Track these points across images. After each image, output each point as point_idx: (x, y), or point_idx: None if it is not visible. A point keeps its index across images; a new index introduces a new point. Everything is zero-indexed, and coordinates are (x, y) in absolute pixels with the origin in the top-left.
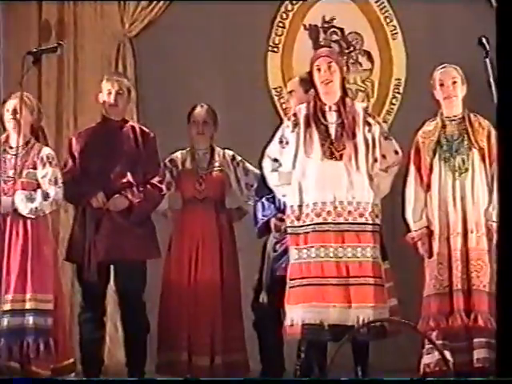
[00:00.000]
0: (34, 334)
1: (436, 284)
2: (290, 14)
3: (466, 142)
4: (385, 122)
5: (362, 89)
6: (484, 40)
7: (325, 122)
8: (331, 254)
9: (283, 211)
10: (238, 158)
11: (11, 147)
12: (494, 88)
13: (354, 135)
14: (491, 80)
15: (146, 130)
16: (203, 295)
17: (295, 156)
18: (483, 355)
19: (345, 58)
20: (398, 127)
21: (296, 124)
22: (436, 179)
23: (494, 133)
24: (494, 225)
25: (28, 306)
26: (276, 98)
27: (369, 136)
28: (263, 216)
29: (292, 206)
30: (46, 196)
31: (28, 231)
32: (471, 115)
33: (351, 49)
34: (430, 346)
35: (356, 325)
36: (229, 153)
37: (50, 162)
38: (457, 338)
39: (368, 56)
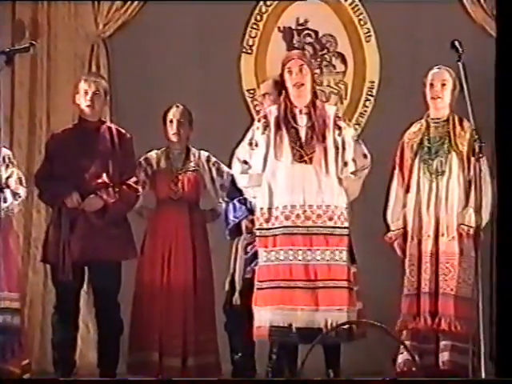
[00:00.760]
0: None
1: (407, 285)
2: (264, 16)
3: (446, 145)
4: (358, 124)
5: (335, 91)
6: (457, 43)
7: (295, 124)
8: (300, 257)
9: (254, 213)
10: (213, 159)
11: None
12: (465, 90)
13: (323, 138)
14: (463, 82)
15: (123, 131)
16: (176, 296)
17: (265, 158)
18: (448, 358)
19: (318, 60)
20: (371, 130)
21: (266, 126)
22: (415, 181)
23: (475, 137)
24: (466, 228)
25: None
26: (249, 100)
27: (339, 139)
28: (234, 217)
29: (262, 209)
30: (15, 196)
31: None
32: (456, 118)
33: (325, 51)
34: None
35: (324, 328)
36: (204, 154)
37: (12, 163)
38: (425, 339)
39: (341, 58)
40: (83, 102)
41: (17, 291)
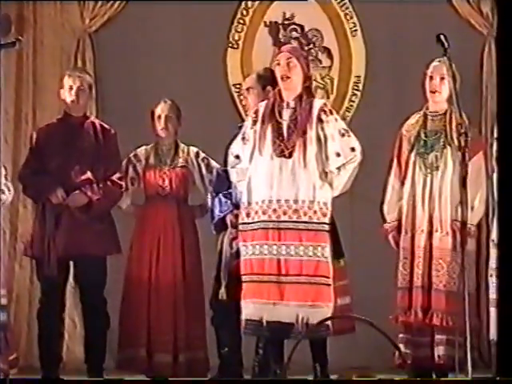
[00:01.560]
0: None
1: (400, 278)
2: (251, 11)
3: (442, 140)
4: (344, 118)
5: (322, 86)
6: (442, 37)
7: (280, 119)
8: (274, 252)
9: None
10: (202, 155)
11: None
12: (452, 83)
13: (304, 132)
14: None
15: (107, 127)
16: (165, 292)
17: (252, 153)
18: (443, 352)
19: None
20: (357, 124)
21: (255, 121)
22: (410, 174)
23: (472, 131)
24: (460, 225)
25: None
26: (236, 95)
27: (321, 133)
28: (220, 212)
29: (243, 203)
30: (8, 189)
31: None
32: (454, 113)
33: (311, 46)
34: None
35: (295, 323)
36: (193, 149)
37: None
38: (419, 333)
39: (328, 53)
40: (68, 97)
41: (4, 287)
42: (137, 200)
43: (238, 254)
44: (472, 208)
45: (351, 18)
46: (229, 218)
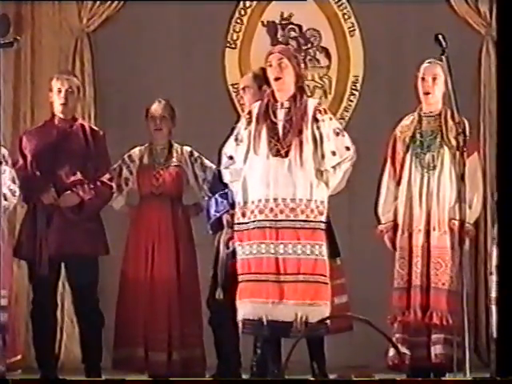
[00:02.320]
0: None
1: (397, 278)
2: (249, 11)
3: (438, 140)
4: (342, 118)
5: (320, 85)
6: (440, 37)
7: (274, 119)
8: (272, 251)
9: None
10: (195, 154)
11: None
12: (449, 83)
13: (300, 132)
14: (447, 76)
15: (96, 129)
16: (160, 291)
17: (246, 153)
18: (440, 351)
19: (302, 54)
20: (355, 123)
21: (250, 121)
22: (406, 174)
23: (468, 131)
24: (458, 223)
25: None
26: (234, 95)
27: (317, 132)
28: (216, 212)
29: (239, 203)
30: (13, 193)
31: None
32: (449, 113)
33: (309, 45)
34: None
35: (294, 322)
36: (187, 149)
37: (6, 162)
38: (416, 332)
39: (326, 53)
40: (57, 99)
41: (6, 288)
42: (131, 200)
43: (234, 253)
44: (470, 207)
45: (349, 17)
46: (225, 218)
